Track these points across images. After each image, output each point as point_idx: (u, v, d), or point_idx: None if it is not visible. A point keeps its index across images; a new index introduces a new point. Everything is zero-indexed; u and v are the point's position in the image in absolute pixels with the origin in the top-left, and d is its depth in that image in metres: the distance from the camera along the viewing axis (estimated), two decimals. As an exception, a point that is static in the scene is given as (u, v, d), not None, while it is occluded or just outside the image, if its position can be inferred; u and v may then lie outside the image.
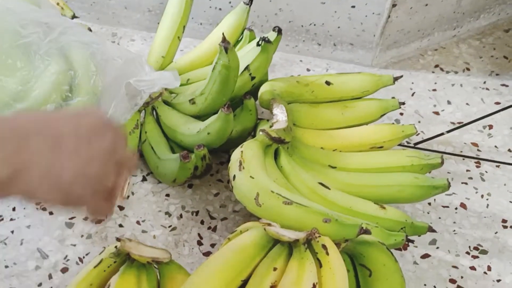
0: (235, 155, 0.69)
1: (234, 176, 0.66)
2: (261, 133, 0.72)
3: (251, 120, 0.84)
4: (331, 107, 0.84)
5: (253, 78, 0.84)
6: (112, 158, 0.43)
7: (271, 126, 0.75)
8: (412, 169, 0.77)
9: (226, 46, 0.77)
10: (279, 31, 0.85)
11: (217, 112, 0.78)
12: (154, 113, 0.88)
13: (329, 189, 0.70)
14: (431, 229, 0.75)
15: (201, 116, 0.84)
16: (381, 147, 0.81)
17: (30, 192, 0.39)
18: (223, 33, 0.77)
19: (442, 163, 0.78)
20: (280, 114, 0.76)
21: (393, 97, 0.91)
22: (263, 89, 0.83)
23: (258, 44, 0.82)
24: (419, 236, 0.77)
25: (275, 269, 0.55)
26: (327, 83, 0.84)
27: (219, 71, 0.78)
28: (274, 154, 0.73)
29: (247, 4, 0.91)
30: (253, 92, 0.85)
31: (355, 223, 0.61)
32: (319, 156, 0.76)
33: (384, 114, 0.85)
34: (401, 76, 0.87)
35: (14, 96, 0.73)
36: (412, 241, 0.77)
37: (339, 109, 0.83)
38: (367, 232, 0.60)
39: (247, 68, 0.82)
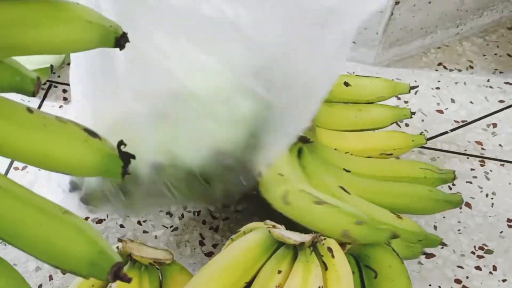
0: None
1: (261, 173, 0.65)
2: None
3: None
4: (346, 108, 0.82)
5: None
6: None
7: None
8: (424, 181, 0.75)
9: None
10: None
11: None
12: None
13: (349, 193, 0.69)
14: (442, 243, 0.74)
15: None
16: (390, 154, 0.80)
17: None
18: None
19: (454, 178, 0.77)
20: None
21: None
22: None
23: None
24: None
25: (279, 272, 0.54)
26: (346, 84, 0.82)
27: None
28: (298, 153, 0.72)
29: None
30: None
31: (388, 228, 0.59)
32: (335, 158, 0.75)
33: (394, 122, 0.84)
34: (417, 86, 0.86)
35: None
36: (424, 253, 0.75)
37: (353, 112, 0.82)
38: (396, 237, 0.59)
39: None
